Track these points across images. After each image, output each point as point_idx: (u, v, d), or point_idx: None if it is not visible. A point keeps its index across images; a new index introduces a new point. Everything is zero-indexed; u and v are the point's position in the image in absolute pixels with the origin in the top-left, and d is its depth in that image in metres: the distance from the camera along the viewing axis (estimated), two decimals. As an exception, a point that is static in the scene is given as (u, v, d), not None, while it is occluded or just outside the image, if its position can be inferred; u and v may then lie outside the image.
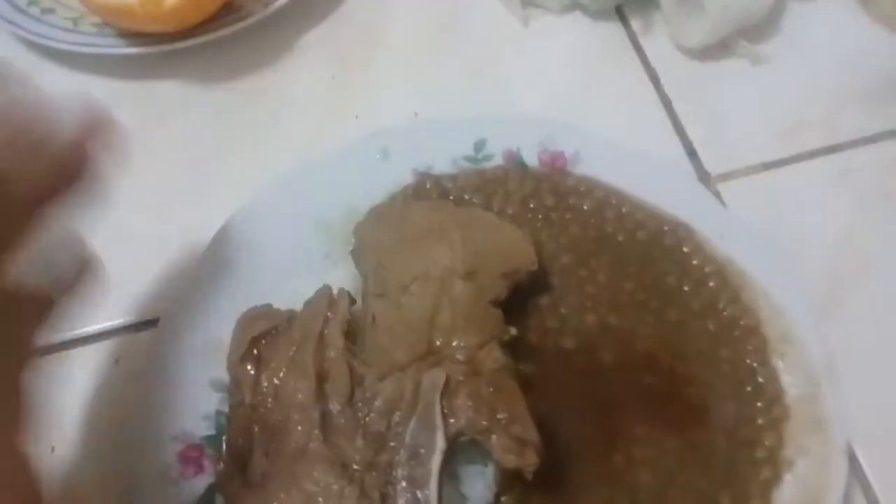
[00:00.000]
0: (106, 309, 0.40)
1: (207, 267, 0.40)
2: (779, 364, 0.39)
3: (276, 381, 0.35)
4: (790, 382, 0.38)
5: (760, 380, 0.38)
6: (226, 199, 0.42)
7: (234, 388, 0.36)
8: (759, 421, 0.37)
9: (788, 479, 0.36)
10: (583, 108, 0.48)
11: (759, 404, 0.38)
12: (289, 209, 0.42)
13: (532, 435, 0.34)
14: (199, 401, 0.37)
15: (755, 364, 0.39)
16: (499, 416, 0.34)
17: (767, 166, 0.47)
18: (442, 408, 0.34)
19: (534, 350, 0.39)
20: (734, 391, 0.38)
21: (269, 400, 0.35)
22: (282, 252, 0.41)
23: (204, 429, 0.36)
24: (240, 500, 0.34)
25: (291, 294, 0.39)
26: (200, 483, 0.35)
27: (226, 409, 0.37)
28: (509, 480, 0.35)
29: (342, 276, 0.40)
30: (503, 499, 0.36)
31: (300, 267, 0.40)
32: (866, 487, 0.38)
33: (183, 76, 0.50)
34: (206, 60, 0.50)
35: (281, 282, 0.40)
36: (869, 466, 0.38)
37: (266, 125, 0.48)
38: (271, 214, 0.42)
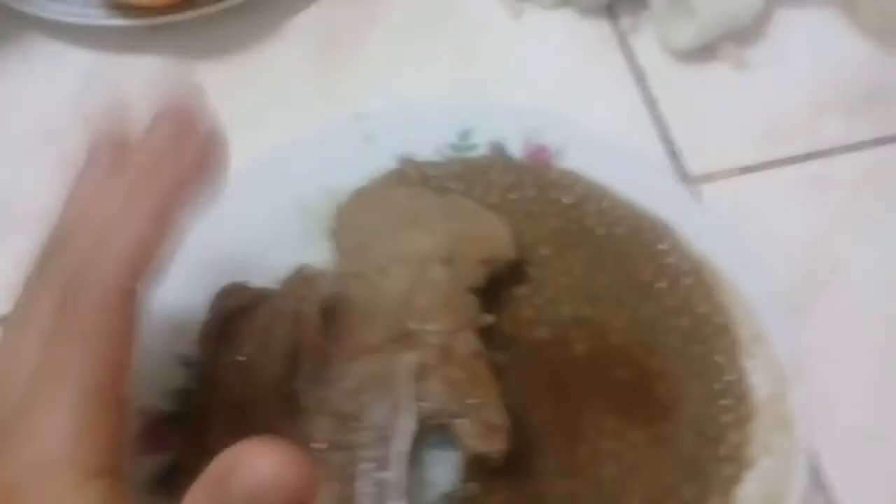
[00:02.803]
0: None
1: (182, 241, 0.40)
2: (748, 363, 0.39)
3: (243, 357, 0.35)
4: (758, 382, 0.38)
5: (728, 378, 0.38)
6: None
7: (201, 363, 0.36)
8: (725, 419, 0.38)
9: (750, 477, 0.36)
10: (569, 105, 0.48)
11: (726, 402, 0.38)
12: (267, 188, 0.42)
13: (502, 420, 0.34)
14: (165, 375, 0.37)
15: (724, 362, 0.39)
16: (469, 401, 0.34)
17: (746, 170, 0.47)
18: (413, 391, 0.34)
19: (507, 339, 0.39)
20: (703, 388, 0.38)
21: (236, 377, 0.35)
22: (258, 230, 0.40)
23: (169, 404, 0.36)
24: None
25: (267, 271, 0.38)
26: (162, 459, 0.35)
27: (192, 384, 0.36)
28: (475, 467, 0.35)
29: (319, 257, 0.40)
30: (467, 485, 0.36)
31: (276, 245, 0.40)
32: (826, 489, 0.38)
33: (166, 52, 0.49)
34: (191, 37, 0.49)
35: (256, 259, 0.39)
36: (830, 468, 0.39)
37: (248, 105, 0.47)
38: (249, 192, 0.41)
